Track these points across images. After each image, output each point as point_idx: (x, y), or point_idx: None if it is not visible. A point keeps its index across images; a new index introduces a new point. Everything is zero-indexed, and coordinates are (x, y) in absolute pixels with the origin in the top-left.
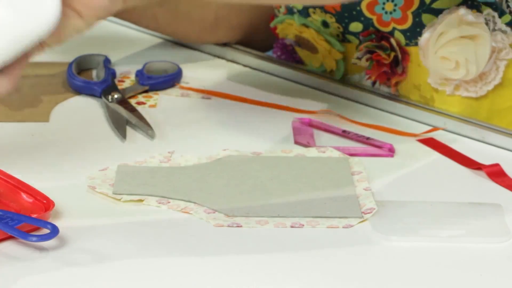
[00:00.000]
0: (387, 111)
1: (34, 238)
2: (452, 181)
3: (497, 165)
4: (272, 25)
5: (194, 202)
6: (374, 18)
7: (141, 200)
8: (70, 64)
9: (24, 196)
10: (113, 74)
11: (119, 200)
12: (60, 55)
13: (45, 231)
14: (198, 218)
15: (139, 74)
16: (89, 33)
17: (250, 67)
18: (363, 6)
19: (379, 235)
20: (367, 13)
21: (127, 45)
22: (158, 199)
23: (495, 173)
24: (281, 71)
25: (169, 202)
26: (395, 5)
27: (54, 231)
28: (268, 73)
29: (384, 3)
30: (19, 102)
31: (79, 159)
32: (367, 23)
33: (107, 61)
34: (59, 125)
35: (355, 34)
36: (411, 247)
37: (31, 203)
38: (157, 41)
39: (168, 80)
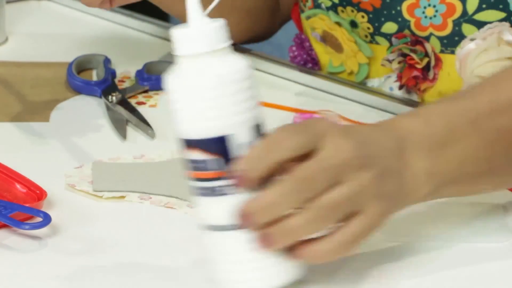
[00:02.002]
0: (392, 113)
1: (27, 226)
2: None
3: None
4: (303, 16)
5: (176, 197)
6: (412, 21)
7: (122, 197)
8: (70, 64)
9: (17, 186)
10: (113, 74)
11: (101, 197)
12: (60, 55)
13: (38, 219)
14: (182, 213)
15: (139, 74)
16: (89, 33)
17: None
18: (404, 6)
19: (377, 235)
20: (406, 15)
21: (127, 45)
22: (139, 195)
23: None
24: (281, 71)
25: (150, 198)
26: (436, 11)
27: (47, 219)
28: (268, 73)
29: (425, 7)
30: (19, 102)
31: (79, 159)
32: (403, 25)
33: (107, 61)
34: (59, 125)
35: (386, 36)
36: (411, 247)
37: (25, 193)
38: (157, 41)
39: None
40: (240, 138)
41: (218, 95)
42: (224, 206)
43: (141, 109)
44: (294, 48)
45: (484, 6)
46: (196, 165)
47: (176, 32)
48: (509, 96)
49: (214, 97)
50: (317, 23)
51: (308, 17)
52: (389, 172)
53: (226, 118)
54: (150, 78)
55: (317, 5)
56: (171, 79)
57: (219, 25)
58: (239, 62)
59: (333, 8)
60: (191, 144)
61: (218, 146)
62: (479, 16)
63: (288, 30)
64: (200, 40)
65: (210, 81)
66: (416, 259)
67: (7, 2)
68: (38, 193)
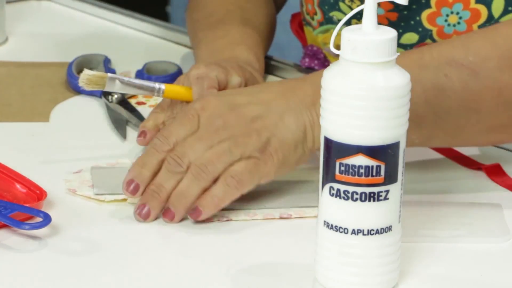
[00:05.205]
0: None
1: (27, 227)
2: (452, 181)
3: (497, 165)
4: (315, 32)
5: None
6: (434, 29)
7: (124, 200)
8: (70, 64)
9: (17, 186)
10: None
11: (103, 201)
12: (60, 55)
13: (38, 219)
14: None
15: (139, 74)
16: (89, 33)
17: None
18: (423, 17)
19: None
20: (426, 24)
21: (127, 45)
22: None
23: (495, 173)
24: (281, 71)
25: None
26: (460, 17)
27: (47, 219)
28: (267, 72)
29: (447, 15)
30: (19, 102)
31: (79, 159)
32: (425, 34)
33: (107, 61)
34: (59, 125)
35: (406, 47)
36: (411, 247)
37: (25, 193)
38: (157, 41)
39: (168, 80)
40: (402, 145)
41: (390, 106)
42: (381, 211)
43: (141, 109)
44: (306, 60)
45: (510, 8)
46: (357, 170)
47: (351, 36)
48: (433, 55)
49: (387, 108)
50: (330, 38)
51: (319, 33)
52: (277, 121)
53: (395, 128)
54: (150, 78)
55: (328, 18)
56: (339, 80)
57: (392, 37)
58: (405, 76)
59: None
60: (357, 149)
61: (383, 153)
62: (506, 19)
63: (288, 31)
64: (375, 50)
65: (380, 92)
66: (416, 259)
67: (7, 2)
68: (38, 193)
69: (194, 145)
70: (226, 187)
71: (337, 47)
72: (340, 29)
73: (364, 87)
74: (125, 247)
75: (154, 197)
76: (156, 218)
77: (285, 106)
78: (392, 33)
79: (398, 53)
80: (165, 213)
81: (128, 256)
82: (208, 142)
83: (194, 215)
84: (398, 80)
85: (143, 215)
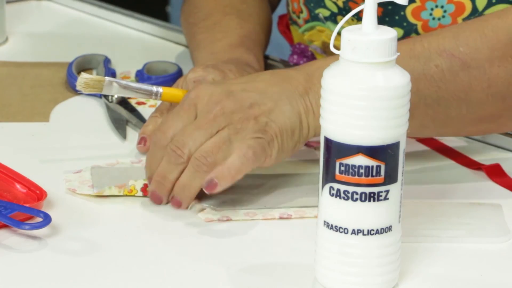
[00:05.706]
0: None
1: (27, 227)
2: (452, 181)
3: (497, 165)
4: (300, 31)
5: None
6: (419, 24)
7: (126, 192)
8: (70, 64)
9: (17, 186)
10: (113, 74)
11: (102, 192)
12: (60, 55)
13: (38, 219)
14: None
15: (139, 74)
16: (89, 33)
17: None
18: (408, 11)
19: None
20: (411, 19)
21: (127, 45)
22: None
23: (495, 173)
24: (268, 68)
25: None
26: (445, 11)
27: (47, 219)
28: None
29: (432, 9)
30: (19, 102)
31: (79, 159)
32: (410, 29)
33: (107, 61)
34: (59, 125)
35: None
36: (411, 247)
37: (25, 193)
38: (157, 41)
39: (168, 80)
40: (402, 145)
41: (390, 106)
42: (381, 211)
43: (141, 109)
44: (295, 57)
45: (494, 1)
46: (357, 170)
47: (351, 36)
48: (424, 45)
49: (388, 107)
50: (315, 36)
51: (305, 31)
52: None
53: (395, 128)
54: (150, 78)
55: (314, 16)
56: (339, 80)
57: (393, 37)
58: (405, 76)
59: (332, 17)
60: (357, 149)
61: (383, 153)
62: (490, 12)
63: None
64: (375, 50)
65: (381, 92)
66: (416, 259)
67: (7, 2)
68: (38, 193)
69: (193, 134)
70: (243, 158)
71: (322, 45)
72: (340, 29)
73: (364, 87)
74: (125, 247)
75: (160, 187)
76: (167, 202)
77: (280, 93)
78: (392, 33)
79: (398, 53)
80: (172, 200)
81: (128, 256)
82: (207, 130)
83: (209, 187)
84: (398, 80)
85: (155, 200)
